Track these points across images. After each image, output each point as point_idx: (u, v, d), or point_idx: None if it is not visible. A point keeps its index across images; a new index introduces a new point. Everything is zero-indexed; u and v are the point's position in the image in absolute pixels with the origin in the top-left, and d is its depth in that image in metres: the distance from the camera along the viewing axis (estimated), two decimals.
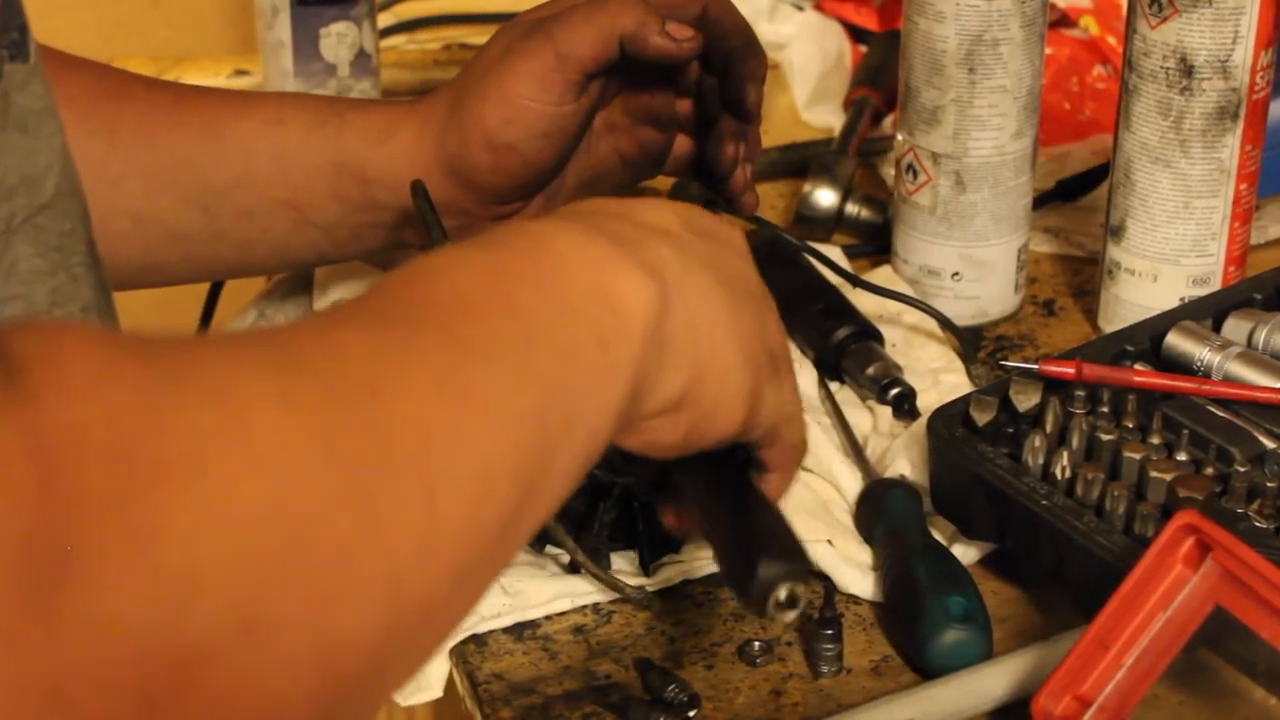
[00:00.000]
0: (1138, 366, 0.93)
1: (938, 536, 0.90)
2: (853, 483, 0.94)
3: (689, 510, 0.75)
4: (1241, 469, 0.84)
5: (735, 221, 1.05)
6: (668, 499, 0.76)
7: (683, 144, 1.02)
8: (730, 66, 0.96)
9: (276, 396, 0.48)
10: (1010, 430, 0.90)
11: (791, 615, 0.65)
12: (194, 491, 0.44)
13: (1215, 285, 1.05)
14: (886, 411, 1.01)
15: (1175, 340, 0.95)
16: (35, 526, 0.41)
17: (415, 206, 0.92)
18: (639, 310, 0.60)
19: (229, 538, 0.45)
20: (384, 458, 0.50)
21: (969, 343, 1.07)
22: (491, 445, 0.53)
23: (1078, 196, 1.23)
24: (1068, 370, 0.91)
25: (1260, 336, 0.95)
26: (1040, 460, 0.87)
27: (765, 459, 0.73)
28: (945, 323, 1.07)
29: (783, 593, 0.64)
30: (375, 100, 1.00)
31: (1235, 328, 0.96)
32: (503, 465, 0.54)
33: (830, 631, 0.84)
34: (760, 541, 0.66)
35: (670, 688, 0.82)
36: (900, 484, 0.92)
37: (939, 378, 1.04)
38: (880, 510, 0.91)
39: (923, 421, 0.94)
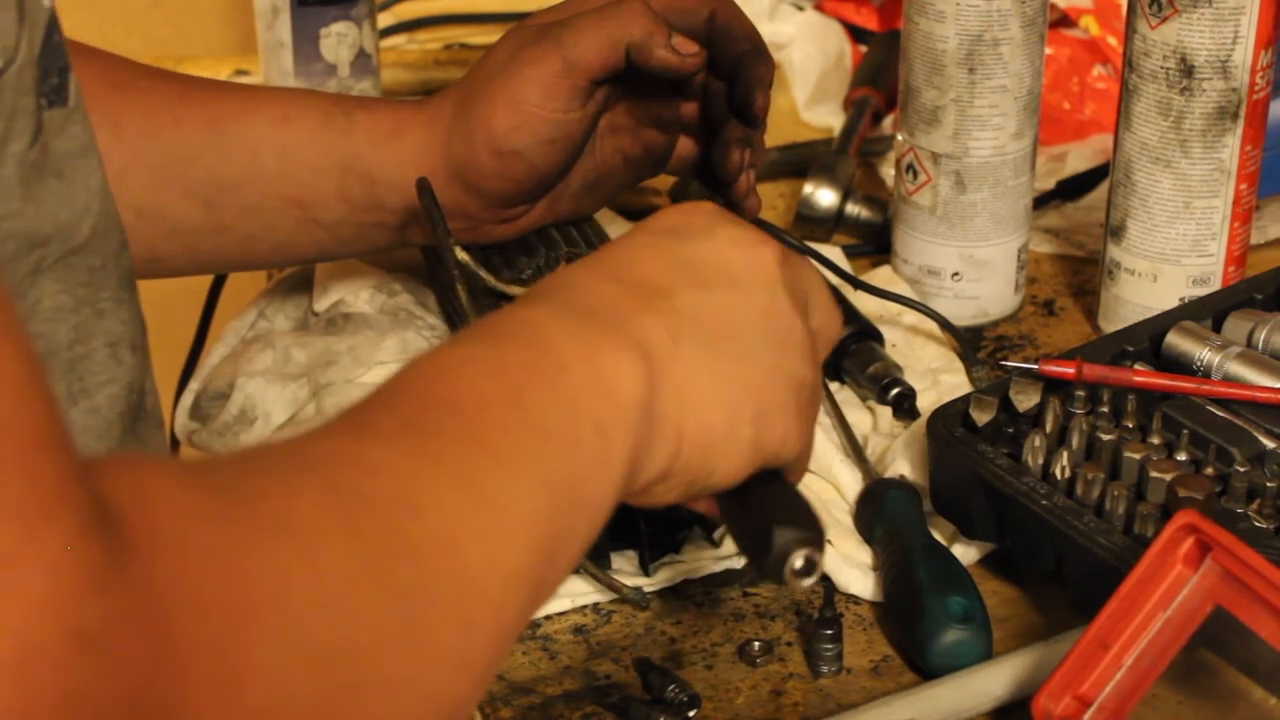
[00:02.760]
0: (1138, 366, 0.93)
1: (938, 536, 0.90)
2: (852, 483, 0.94)
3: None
4: (1241, 469, 0.84)
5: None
6: None
7: (686, 144, 1.02)
8: (738, 72, 0.96)
9: (338, 525, 0.49)
10: (1010, 430, 0.90)
11: (808, 582, 0.65)
12: (277, 629, 0.45)
13: (1215, 285, 1.05)
14: (886, 411, 1.01)
15: (1175, 340, 0.95)
16: (142, 684, 0.42)
17: (421, 204, 0.92)
18: (629, 395, 0.61)
19: (305, 674, 0.46)
20: (427, 582, 0.52)
21: (969, 343, 1.07)
22: (513, 552, 0.56)
23: (1078, 196, 1.23)
24: (1068, 370, 0.91)
25: (1260, 336, 0.95)
26: (1040, 460, 0.87)
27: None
28: (944, 324, 1.07)
29: (799, 560, 0.65)
30: (381, 100, 1.00)
31: (1235, 328, 0.96)
32: (522, 570, 0.56)
33: (830, 631, 0.84)
34: (775, 510, 0.67)
35: (670, 688, 0.82)
36: (900, 484, 0.92)
37: (939, 378, 1.04)
38: (880, 510, 0.91)
39: (923, 421, 0.94)
